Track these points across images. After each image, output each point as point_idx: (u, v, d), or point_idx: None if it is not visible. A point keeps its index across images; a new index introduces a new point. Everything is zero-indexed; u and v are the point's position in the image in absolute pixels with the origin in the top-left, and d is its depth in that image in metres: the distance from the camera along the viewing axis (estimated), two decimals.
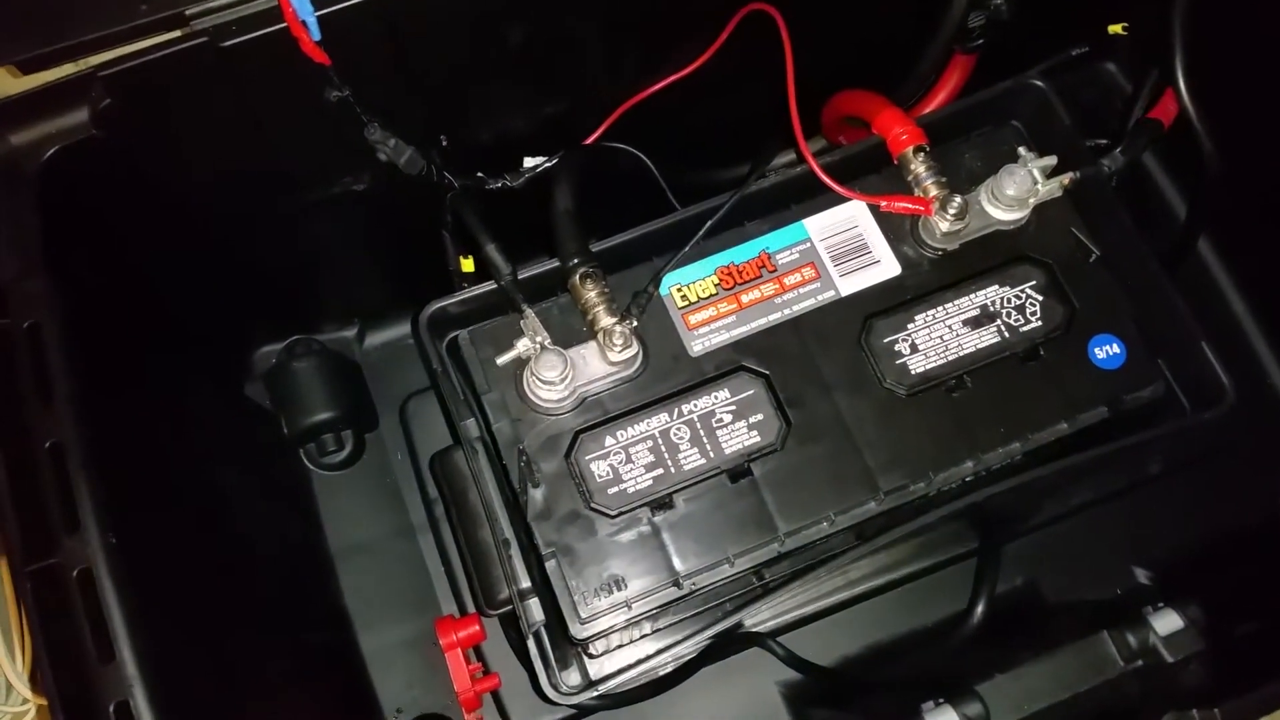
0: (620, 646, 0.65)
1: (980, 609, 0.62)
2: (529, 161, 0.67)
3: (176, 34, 0.53)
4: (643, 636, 0.65)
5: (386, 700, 0.74)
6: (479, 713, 0.70)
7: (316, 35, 0.52)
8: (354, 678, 0.71)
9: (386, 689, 0.74)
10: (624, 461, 0.57)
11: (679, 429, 0.57)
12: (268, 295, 0.74)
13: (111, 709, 0.42)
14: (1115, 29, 0.71)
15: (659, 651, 0.60)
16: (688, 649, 0.61)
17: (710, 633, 0.59)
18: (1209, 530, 0.74)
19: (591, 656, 0.64)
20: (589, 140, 0.67)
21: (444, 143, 0.65)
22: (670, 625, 0.65)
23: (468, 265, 0.69)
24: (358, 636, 0.74)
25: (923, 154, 0.60)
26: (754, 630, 0.70)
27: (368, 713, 0.71)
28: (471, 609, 0.75)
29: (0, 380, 0.47)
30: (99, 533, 0.44)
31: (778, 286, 0.60)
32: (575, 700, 0.56)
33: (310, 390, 0.76)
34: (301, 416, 0.75)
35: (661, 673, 0.62)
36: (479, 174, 0.67)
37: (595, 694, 0.56)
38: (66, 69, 0.55)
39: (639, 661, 0.60)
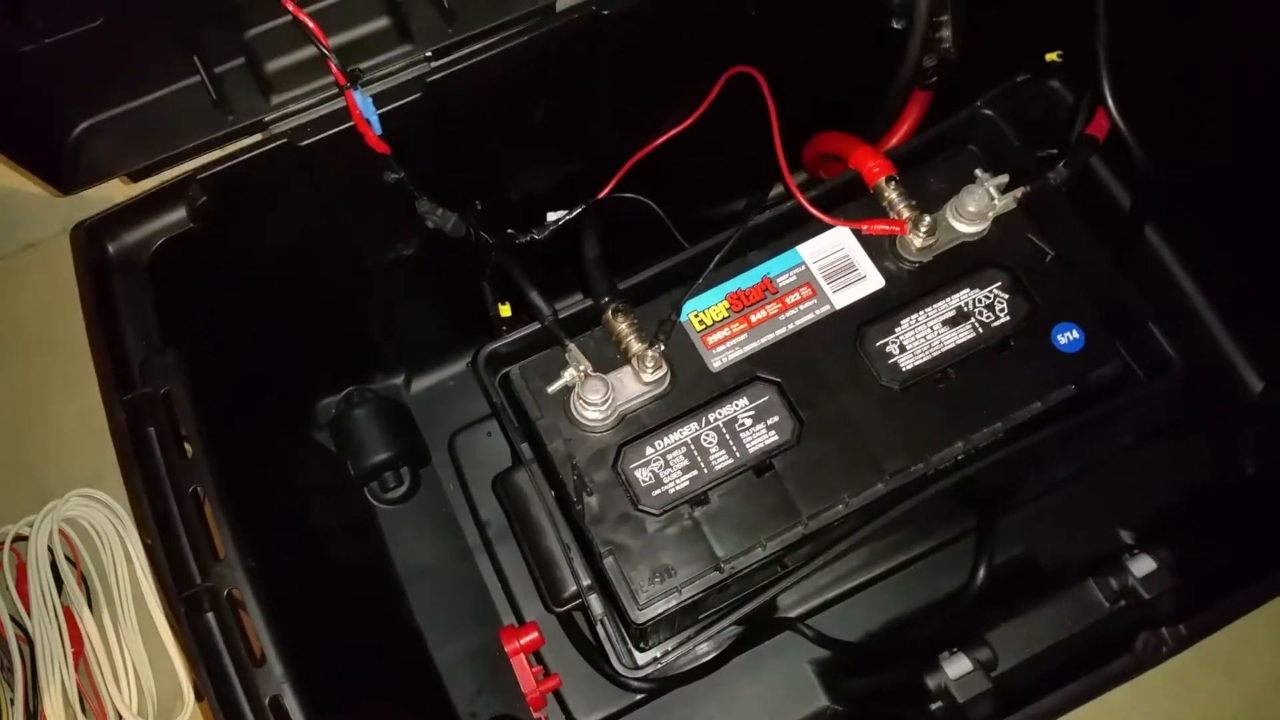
0: (667, 638, 0.73)
1: (982, 573, 0.71)
2: (551, 215, 0.75)
3: (258, 137, 0.62)
4: (684, 628, 0.73)
5: (460, 706, 0.82)
6: (544, 711, 0.78)
7: (378, 130, 0.61)
8: (433, 686, 0.79)
9: (459, 696, 0.82)
10: (663, 467, 0.65)
11: (708, 435, 0.66)
12: (329, 353, 0.83)
13: (267, 703, 0.51)
14: (1051, 57, 0.80)
15: (700, 631, 0.69)
16: (727, 634, 0.69)
17: (745, 609, 0.68)
18: (1178, 493, 0.82)
19: (641, 650, 0.73)
20: (603, 193, 0.76)
21: (478, 206, 0.74)
22: (709, 615, 0.73)
23: (505, 311, 0.78)
24: (430, 650, 0.82)
25: (894, 182, 0.69)
26: (784, 616, 0.79)
27: (448, 718, 0.79)
28: (528, 618, 0.84)
29: (141, 439, 0.56)
30: (240, 559, 0.53)
31: (780, 305, 0.69)
32: (643, 674, 0.64)
33: (370, 434, 0.85)
34: (364, 458, 0.84)
35: (706, 659, 0.70)
36: (508, 230, 0.75)
37: (658, 668, 0.65)
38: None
39: (686, 641, 0.69)
